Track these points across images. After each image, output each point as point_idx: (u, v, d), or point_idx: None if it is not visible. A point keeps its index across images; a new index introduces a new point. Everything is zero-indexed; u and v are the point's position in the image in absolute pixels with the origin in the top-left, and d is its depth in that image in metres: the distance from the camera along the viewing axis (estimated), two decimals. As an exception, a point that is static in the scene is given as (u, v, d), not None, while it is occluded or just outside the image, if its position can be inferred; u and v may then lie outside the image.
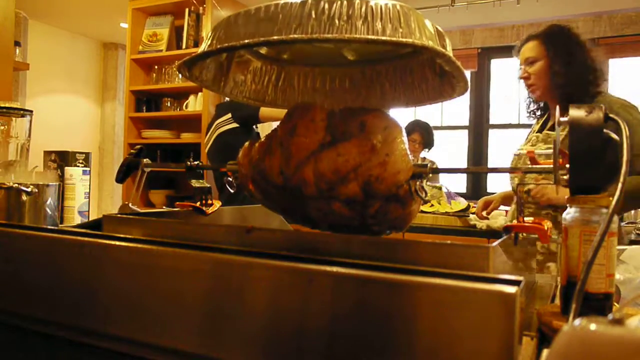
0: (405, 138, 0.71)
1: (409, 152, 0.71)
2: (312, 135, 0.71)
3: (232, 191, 0.85)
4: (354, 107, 0.75)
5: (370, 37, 0.58)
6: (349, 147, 0.69)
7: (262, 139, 0.78)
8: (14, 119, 1.20)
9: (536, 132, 1.76)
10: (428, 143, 3.35)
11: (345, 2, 0.59)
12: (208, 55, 0.69)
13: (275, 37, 0.60)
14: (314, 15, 0.59)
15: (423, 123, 3.41)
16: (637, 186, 1.43)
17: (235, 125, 2.60)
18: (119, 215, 0.79)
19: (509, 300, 0.45)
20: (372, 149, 0.68)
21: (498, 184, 3.87)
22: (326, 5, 0.59)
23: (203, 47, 0.67)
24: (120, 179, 0.91)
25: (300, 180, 0.71)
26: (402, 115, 4.14)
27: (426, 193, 0.75)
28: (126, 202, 0.91)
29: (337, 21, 0.58)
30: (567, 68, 1.57)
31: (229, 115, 2.63)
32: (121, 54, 5.06)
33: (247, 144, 0.81)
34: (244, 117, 2.58)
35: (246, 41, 0.61)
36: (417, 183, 0.73)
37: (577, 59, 1.59)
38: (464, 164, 4.00)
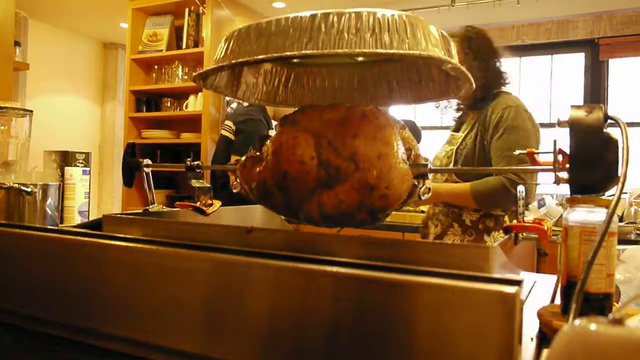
0: (400, 144, 0.70)
1: (405, 160, 0.71)
2: (306, 176, 0.70)
3: (234, 191, 0.85)
4: (341, 121, 0.70)
5: (378, 50, 0.59)
6: (347, 189, 0.69)
7: (257, 171, 0.77)
8: (14, 118, 1.20)
9: (452, 132, 1.77)
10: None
11: (353, 15, 0.60)
12: (222, 69, 0.71)
13: (287, 53, 0.61)
14: (323, 29, 0.60)
15: (408, 122, 3.42)
16: (493, 188, 1.49)
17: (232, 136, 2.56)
18: (118, 215, 0.79)
19: (509, 300, 0.45)
20: (370, 188, 0.68)
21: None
22: (335, 19, 0.60)
23: (216, 57, 0.69)
24: (128, 182, 0.91)
25: (307, 214, 0.73)
26: (398, 113, 4.14)
27: (429, 189, 0.75)
28: (146, 207, 0.92)
29: (346, 35, 0.59)
30: (484, 74, 1.65)
31: (231, 123, 2.58)
32: (121, 54, 5.06)
33: (241, 163, 0.80)
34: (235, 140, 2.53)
35: (261, 57, 0.63)
36: (420, 184, 0.74)
37: (490, 66, 1.70)
38: (464, 164, 3.99)
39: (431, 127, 4.14)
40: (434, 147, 3.50)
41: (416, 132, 3.42)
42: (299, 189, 0.71)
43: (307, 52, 0.60)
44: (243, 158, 0.80)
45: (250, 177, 0.77)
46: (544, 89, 3.86)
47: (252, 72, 0.90)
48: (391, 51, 0.59)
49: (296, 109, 0.80)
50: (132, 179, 0.91)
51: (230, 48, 0.66)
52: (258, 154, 0.77)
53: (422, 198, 0.74)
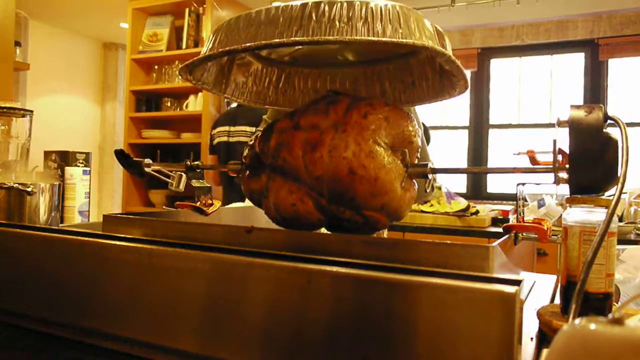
0: (398, 174, 0.68)
1: (404, 171, 0.70)
2: (318, 227, 0.74)
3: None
4: (331, 180, 0.67)
5: (370, 38, 0.58)
6: (359, 235, 0.70)
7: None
8: (14, 119, 1.20)
9: None
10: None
11: (345, 4, 0.59)
12: (209, 59, 0.69)
13: (276, 40, 0.60)
14: (314, 18, 0.59)
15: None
16: None
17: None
18: (119, 215, 0.79)
19: (508, 300, 0.45)
20: (381, 227, 0.71)
21: (497, 184, 3.87)
22: (326, 8, 0.59)
23: (204, 50, 0.67)
24: (140, 174, 0.89)
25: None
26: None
27: (433, 188, 0.76)
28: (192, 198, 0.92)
29: (337, 23, 0.58)
30: None
31: (252, 129, 2.60)
32: (121, 54, 5.06)
33: (247, 192, 0.81)
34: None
35: (248, 44, 0.61)
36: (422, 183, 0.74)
37: None
38: (464, 164, 4.00)
39: (431, 127, 4.14)
40: (435, 147, 3.49)
41: (425, 133, 3.40)
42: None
43: (297, 38, 0.59)
44: (246, 175, 0.80)
45: (262, 208, 0.79)
46: (544, 89, 3.86)
47: (241, 71, 0.89)
48: (384, 39, 0.58)
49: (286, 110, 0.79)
50: (142, 172, 0.89)
51: (219, 39, 0.66)
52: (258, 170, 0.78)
53: (427, 191, 0.75)
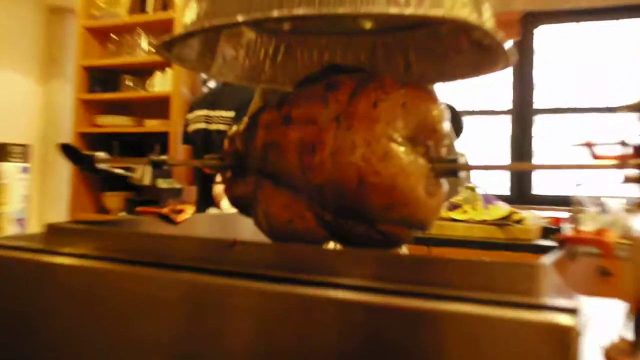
0: (420, 174, 0.68)
1: (429, 171, 0.69)
2: (318, 244, 0.74)
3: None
4: (338, 195, 0.67)
5: (391, 11, 0.58)
6: (371, 250, 0.71)
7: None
8: None
9: None
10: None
11: None
12: (190, 36, 0.70)
13: (275, 14, 0.60)
14: None
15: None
16: None
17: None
18: (66, 226, 0.78)
19: (564, 333, 0.45)
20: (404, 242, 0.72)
21: (547, 184, 3.87)
22: None
23: (186, 22, 0.68)
24: (93, 171, 0.89)
25: None
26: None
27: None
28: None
29: None
30: None
31: (231, 114, 2.62)
32: (70, 20, 5.07)
33: (231, 199, 0.81)
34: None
35: (239, 18, 0.62)
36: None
37: None
38: (505, 157, 3.99)
39: (464, 113, 4.14)
40: (468, 136, 3.48)
41: (456, 120, 3.40)
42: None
43: (300, 12, 0.59)
44: (227, 177, 0.80)
45: (249, 217, 0.80)
46: (605, 65, 3.85)
47: (231, 43, 0.89)
48: (407, 12, 0.58)
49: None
50: (94, 168, 0.89)
51: (204, 9, 0.66)
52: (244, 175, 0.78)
53: (458, 190, 0.75)
